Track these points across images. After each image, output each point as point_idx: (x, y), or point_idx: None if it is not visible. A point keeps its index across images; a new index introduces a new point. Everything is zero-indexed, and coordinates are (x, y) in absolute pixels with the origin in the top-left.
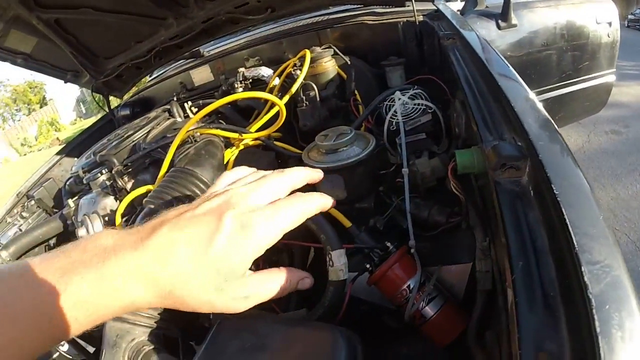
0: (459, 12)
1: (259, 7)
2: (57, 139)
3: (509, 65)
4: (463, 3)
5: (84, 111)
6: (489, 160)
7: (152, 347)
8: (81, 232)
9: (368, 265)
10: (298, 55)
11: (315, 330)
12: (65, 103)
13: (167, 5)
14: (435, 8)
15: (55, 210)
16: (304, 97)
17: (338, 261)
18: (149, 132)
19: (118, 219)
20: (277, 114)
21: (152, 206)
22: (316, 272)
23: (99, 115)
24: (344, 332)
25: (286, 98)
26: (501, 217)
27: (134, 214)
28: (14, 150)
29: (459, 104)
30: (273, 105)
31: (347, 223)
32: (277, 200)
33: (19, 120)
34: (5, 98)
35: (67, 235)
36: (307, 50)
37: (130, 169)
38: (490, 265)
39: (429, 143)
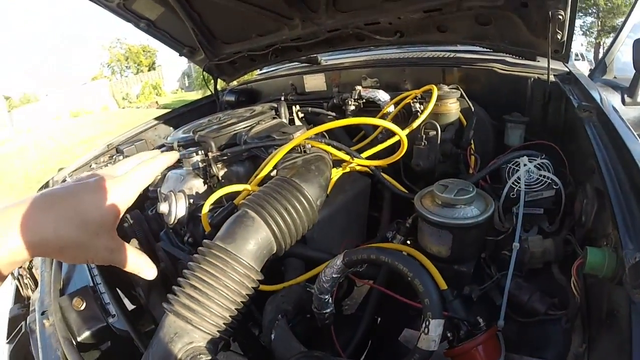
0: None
1: (389, 29)
2: (156, 102)
3: None
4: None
5: (187, 84)
6: (629, 275)
7: (208, 357)
8: (163, 207)
9: (450, 335)
10: (423, 89)
11: None
12: (172, 72)
13: (297, 6)
14: (568, 70)
15: None
16: (423, 136)
17: (434, 331)
18: (253, 125)
19: (205, 208)
20: (389, 146)
21: (248, 210)
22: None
23: (200, 92)
24: None
25: (407, 131)
26: (630, 338)
27: (221, 207)
28: (115, 101)
29: (591, 191)
30: (387, 132)
31: (444, 285)
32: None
33: (126, 76)
34: (119, 54)
35: (144, 198)
36: (434, 86)
37: (225, 157)
38: None
39: (543, 219)
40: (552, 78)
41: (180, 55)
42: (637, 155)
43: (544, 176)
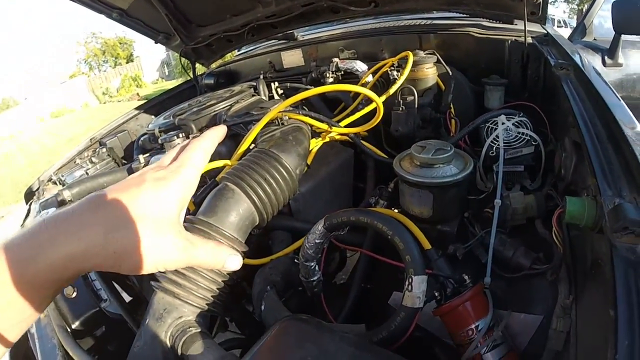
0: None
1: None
2: (137, 94)
3: (631, 114)
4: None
5: (167, 73)
6: (608, 219)
7: (198, 330)
8: None
9: (437, 294)
10: (398, 56)
11: None
12: (151, 63)
13: None
14: (545, 32)
15: (124, 161)
16: (401, 101)
17: (418, 288)
18: (232, 105)
19: None
20: (370, 112)
21: (228, 183)
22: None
23: (181, 80)
24: None
25: (383, 97)
26: (613, 286)
27: (205, 185)
28: (95, 97)
29: (570, 145)
30: (367, 101)
31: (427, 245)
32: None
33: (105, 71)
34: (95, 48)
35: None
36: (410, 52)
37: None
38: (568, 325)
39: (524, 176)
40: (529, 40)
41: (156, 42)
42: (612, 106)
43: (523, 133)
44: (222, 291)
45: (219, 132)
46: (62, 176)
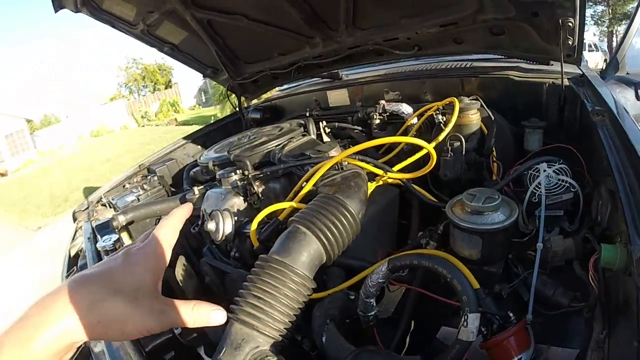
0: (599, 76)
1: (407, 43)
2: (175, 119)
3: None
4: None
5: (204, 100)
6: (637, 265)
7: (275, 358)
8: (211, 225)
9: (484, 330)
10: (445, 101)
11: None
12: (188, 89)
13: (317, 26)
14: (581, 72)
15: (173, 189)
16: (449, 147)
17: (472, 324)
18: (285, 144)
19: (254, 225)
20: (421, 158)
21: (300, 226)
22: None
23: (218, 107)
24: None
25: (434, 144)
26: (638, 321)
27: (266, 223)
28: (134, 120)
29: (605, 192)
30: (414, 146)
31: (476, 285)
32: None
33: (144, 95)
34: (135, 73)
35: None
36: (455, 99)
37: (262, 175)
38: (601, 357)
39: (563, 220)
40: (565, 82)
41: (205, 76)
42: None
43: (563, 180)
44: (292, 324)
45: (185, 211)
46: (113, 199)
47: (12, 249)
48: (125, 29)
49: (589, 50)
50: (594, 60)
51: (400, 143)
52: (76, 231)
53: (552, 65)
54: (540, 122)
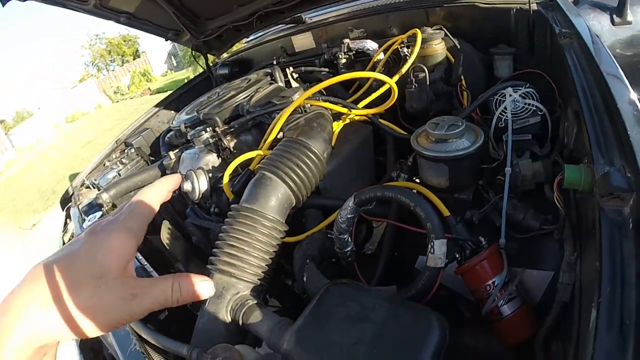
0: (572, 1)
1: None
2: (149, 89)
3: (628, 86)
4: None
5: (175, 64)
6: (597, 185)
7: (255, 301)
8: (186, 185)
9: (458, 256)
10: (407, 34)
11: (415, 311)
12: (157, 56)
13: None
14: None
15: (152, 158)
16: (413, 79)
17: (439, 250)
18: (252, 95)
19: (226, 179)
20: (384, 92)
21: (265, 172)
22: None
23: (190, 69)
24: (439, 318)
25: (396, 78)
26: (600, 242)
27: (239, 175)
28: (107, 97)
29: (572, 114)
30: (381, 82)
31: (446, 212)
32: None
33: (113, 70)
34: (101, 49)
35: None
36: (418, 30)
37: (232, 129)
38: (573, 279)
39: (533, 144)
40: (534, 6)
41: (166, 40)
42: (609, 77)
43: (529, 104)
44: (269, 267)
45: (172, 182)
46: (95, 180)
47: (10, 252)
48: (77, 7)
49: None
50: None
51: (367, 80)
52: (66, 218)
53: None
54: (510, 48)
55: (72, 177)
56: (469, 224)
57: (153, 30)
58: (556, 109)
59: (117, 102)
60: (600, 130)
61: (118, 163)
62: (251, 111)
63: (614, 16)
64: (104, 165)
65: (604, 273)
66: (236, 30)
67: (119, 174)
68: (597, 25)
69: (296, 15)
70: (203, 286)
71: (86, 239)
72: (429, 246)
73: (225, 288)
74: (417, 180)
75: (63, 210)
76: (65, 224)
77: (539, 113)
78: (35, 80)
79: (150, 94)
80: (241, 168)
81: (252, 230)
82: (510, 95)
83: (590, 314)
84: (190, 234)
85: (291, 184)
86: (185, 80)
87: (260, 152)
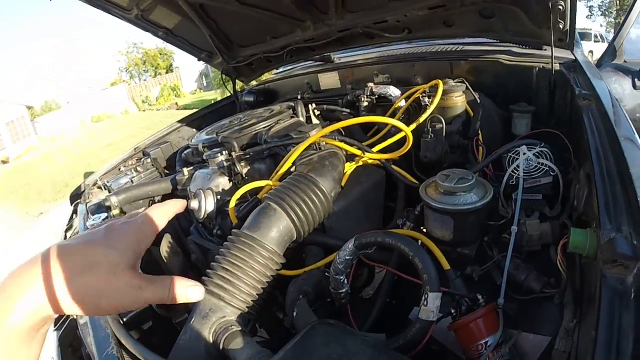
0: (595, 64)
1: (397, 26)
2: (176, 103)
3: None
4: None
5: (205, 84)
6: (602, 251)
7: (238, 328)
8: (193, 204)
9: (453, 311)
10: (429, 84)
11: None
12: (189, 73)
13: (308, 9)
14: (573, 57)
15: (166, 171)
16: (430, 129)
17: (432, 303)
18: (272, 125)
19: (232, 203)
20: (401, 139)
21: (271, 202)
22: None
23: (219, 91)
24: None
25: (413, 126)
26: (598, 310)
27: (246, 201)
28: (135, 104)
29: (584, 177)
30: (398, 129)
31: (446, 265)
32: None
33: (145, 80)
34: (136, 58)
35: (172, 197)
36: (440, 81)
37: (247, 156)
38: (569, 346)
39: (543, 204)
40: (557, 67)
41: (199, 60)
42: (624, 142)
43: (542, 164)
44: (260, 296)
45: (179, 205)
46: (108, 182)
47: (17, 235)
48: (120, 14)
49: (594, 41)
50: (600, 52)
51: (385, 126)
52: (73, 213)
53: (545, 50)
54: (529, 106)
55: (87, 174)
56: (468, 280)
57: (187, 48)
58: (570, 170)
59: (143, 110)
60: (610, 194)
61: (133, 170)
62: (268, 141)
63: (636, 80)
64: (119, 169)
65: (599, 343)
66: (267, 61)
67: (132, 181)
68: (618, 89)
69: (325, 54)
70: (193, 291)
71: (105, 230)
72: (423, 298)
73: (212, 310)
74: (424, 230)
75: (71, 204)
76: (71, 218)
77: (552, 174)
78: (70, 75)
79: (177, 109)
80: (250, 195)
81: (248, 257)
82: (524, 154)
83: None
84: (190, 251)
85: (294, 217)
86: (212, 102)
87: (269, 182)
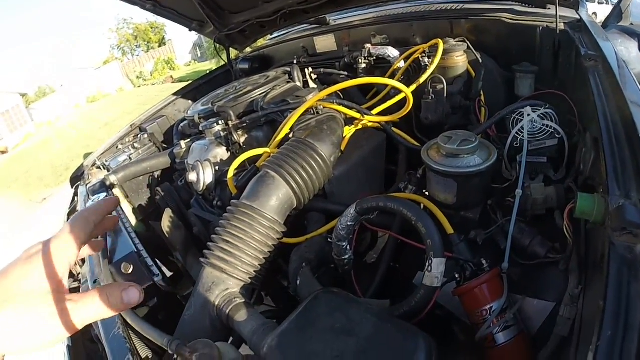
0: (601, 25)
1: None
2: (171, 77)
3: None
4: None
5: (199, 55)
6: (610, 218)
7: (242, 300)
8: (192, 176)
9: (457, 276)
10: (429, 43)
11: (402, 330)
12: (183, 45)
13: None
14: (578, 17)
15: (164, 145)
16: (430, 90)
17: (436, 269)
18: (268, 92)
19: (231, 173)
20: (401, 101)
21: (269, 170)
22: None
23: (214, 61)
24: (427, 339)
25: (413, 87)
26: (606, 279)
27: (245, 171)
28: (130, 81)
29: (590, 140)
30: (398, 90)
31: (450, 230)
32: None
33: (138, 55)
34: (127, 34)
35: (172, 171)
36: (440, 40)
37: (244, 124)
38: (574, 313)
39: (547, 167)
40: (561, 26)
41: (190, 30)
42: (634, 107)
43: (547, 125)
44: (262, 267)
45: (110, 205)
46: (106, 161)
47: (21, 224)
48: None
49: (598, 2)
50: (604, 14)
51: (385, 87)
52: (74, 196)
53: (549, 9)
54: (532, 66)
55: (87, 156)
56: (472, 244)
57: (177, 19)
58: (575, 133)
59: (139, 87)
60: (619, 159)
61: (130, 147)
62: (265, 108)
63: None
64: (117, 147)
65: (607, 314)
66: (260, 27)
67: (130, 158)
68: (624, 52)
69: (320, 16)
70: (130, 293)
71: (22, 259)
72: (427, 264)
73: (215, 283)
74: (427, 194)
75: (72, 187)
76: (73, 201)
77: (557, 136)
78: (62, 58)
79: (172, 82)
80: (249, 164)
81: (248, 227)
82: (529, 115)
83: (587, 357)
84: (192, 224)
85: (294, 185)
86: (208, 72)
87: (267, 149)
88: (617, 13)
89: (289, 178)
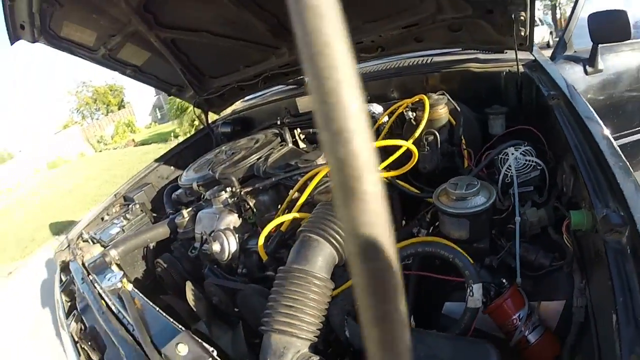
0: (550, 57)
1: (372, 46)
2: (133, 140)
3: (611, 139)
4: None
5: (159, 117)
6: (600, 224)
7: (317, 358)
8: (215, 247)
9: (484, 298)
10: (413, 99)
11: (473, 343)
12: (142, 107)
13: (283, 36)
14: (533, 58)
15: (154, 215)
16: (425, 142)
17: (477, 292)
18: (266, 156)
19: (261, 241)
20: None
21: (311, 234)
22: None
23: (175, 122)
24: (493, 347)
25: (410, 142)
26: (608, 266)
27: (270, 237)
28: (90, 146)
29: (567, 167)
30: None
31: (471, 261)
32: None
33: (97, 119)
34: (87, 97)
35: (170, 242)
36: (424, 96)
37: (252, 190)
38: (585, 301)
39: (534, 194)
40: (520, 69)
41: (170, 95)
42: (597, 136)
43: (530, 160)
44: (322, 323)
45: None
46: (95, 234)
47: None
48: (86, 55)
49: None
50: (540, 35)
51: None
52: (61, 273)
53: (506, 53)
54: (502, 107)
55: (53, 225)
56: (489, 269)
57: (157, 84)
58: (548, 160)
59: (100, 151)
60: (594, 180)
61: (122, 218)
62: (270, 172)
63: (587, 67)
64: (102, 219)
65: (616, 287)
66: (239, 90)
67: (123, 230)
68: (572, 75)
69: (299, 78)
70: None
71: None
72: (468, 290)
73: (287, 347)
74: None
75: (56, 263)
76: (60, 277)
77: (539, 168)
78: (15, 120)
79: (135, 145)
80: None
81: (306, 289)
82: (513, 154)
83: (611, 319)
84: (210, 294)
85: (336, 244)
86: (172, 134)
87: (296, 214)
88: (562, 44)
89: (330, 238)
